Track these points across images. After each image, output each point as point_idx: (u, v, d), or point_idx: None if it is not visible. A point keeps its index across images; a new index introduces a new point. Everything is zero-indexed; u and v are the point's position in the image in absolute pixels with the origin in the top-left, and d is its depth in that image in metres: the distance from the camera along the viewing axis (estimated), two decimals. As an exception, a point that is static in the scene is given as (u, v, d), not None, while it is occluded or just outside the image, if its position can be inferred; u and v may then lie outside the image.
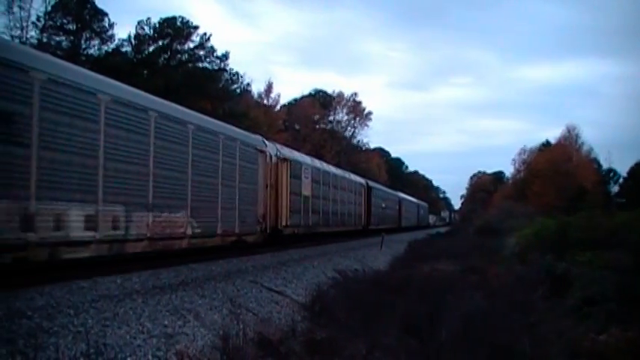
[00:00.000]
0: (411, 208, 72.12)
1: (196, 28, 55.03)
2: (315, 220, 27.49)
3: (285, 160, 23.12)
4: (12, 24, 44.52)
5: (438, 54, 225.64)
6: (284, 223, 22.71)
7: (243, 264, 15.43)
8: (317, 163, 29.99)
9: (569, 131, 73.12)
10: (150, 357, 6.82)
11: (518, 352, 7.52)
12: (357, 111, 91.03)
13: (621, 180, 76.09)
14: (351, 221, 36.75)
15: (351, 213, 36.62)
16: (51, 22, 48.42)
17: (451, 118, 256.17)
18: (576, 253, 17.71)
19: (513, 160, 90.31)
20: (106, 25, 51.77)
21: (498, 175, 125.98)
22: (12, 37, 42.38)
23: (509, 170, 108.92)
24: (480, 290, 12.61)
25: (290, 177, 23.30)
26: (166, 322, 8.25)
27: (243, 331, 7.39)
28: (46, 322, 7.23)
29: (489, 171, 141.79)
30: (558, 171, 64.14)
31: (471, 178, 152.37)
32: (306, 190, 25.76)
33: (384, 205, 48.65)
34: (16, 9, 44.68)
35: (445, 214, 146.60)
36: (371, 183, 45.59)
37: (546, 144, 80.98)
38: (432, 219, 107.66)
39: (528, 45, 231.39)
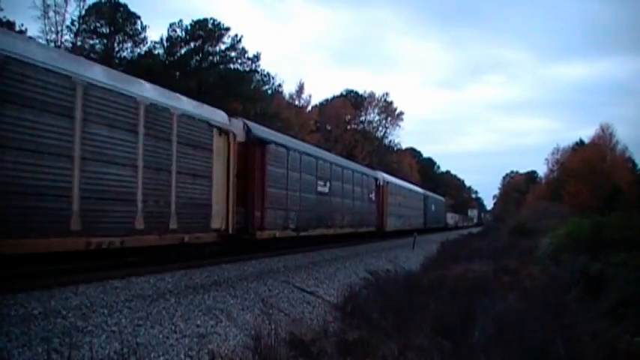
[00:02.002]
0: (412, 201, 47.13)
1: (227, 29, 55.50)
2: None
3: None
4: (47, 28, 45.42)
5: (471, 53, 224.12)
6: None
7: (275, 264, 15.49)
8: None
9: (603, 130, 72.47)
10: (182, 356, 6.86)
11: (552, 354, 7.43)
12: (389, 111, 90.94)
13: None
14: (154, 222, 12.81)
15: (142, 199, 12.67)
16: (85, 26, 49.33)
17: (483, 117, 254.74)
18: (611, 253, 17.41)
19: (546, 159, 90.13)
20: (139, 27, 52.71)
21: (531, 175, 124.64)
22: (47, 40, 43.14)
23: (542, 170, 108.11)
24: (514, 291, 12.48)
25: None
26: (199, 322, 8.31)
27: (275, 331, 7.40)
28: (81, 322, 7.34)
29: (522, 171, 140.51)
30: (592, 170, 63.40)
31: (504, 178, 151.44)
32: None
33: (326, 190, 25.09)
34: (51, 14, 45.56)
35: (473, 213, 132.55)
36: (278, 137, 21.32)
37: (580, 143, 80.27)
38: (451, 218, 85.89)
39: (562, 43, 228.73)
